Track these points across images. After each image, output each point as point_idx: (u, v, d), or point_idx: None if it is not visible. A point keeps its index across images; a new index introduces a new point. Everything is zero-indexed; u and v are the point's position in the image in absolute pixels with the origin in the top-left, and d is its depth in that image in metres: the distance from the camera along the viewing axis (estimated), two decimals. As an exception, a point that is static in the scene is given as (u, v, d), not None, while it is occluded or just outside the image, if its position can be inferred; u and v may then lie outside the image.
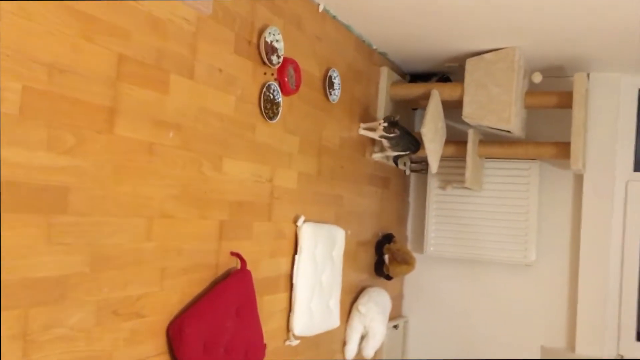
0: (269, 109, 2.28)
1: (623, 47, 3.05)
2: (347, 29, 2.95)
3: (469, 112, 3.21)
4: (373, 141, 3.31)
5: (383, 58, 3.43)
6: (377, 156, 3.30)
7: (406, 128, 3.21)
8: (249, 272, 2.13)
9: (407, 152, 3.26)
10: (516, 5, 2.58)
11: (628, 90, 3.48)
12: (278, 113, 2.34)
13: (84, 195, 1.50)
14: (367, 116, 3.23)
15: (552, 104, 3.33)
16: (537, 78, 3.29)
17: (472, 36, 3.04)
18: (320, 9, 2.65)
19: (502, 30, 2.91)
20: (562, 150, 3.26)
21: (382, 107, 3.37)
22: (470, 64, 3.22)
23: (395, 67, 3.59)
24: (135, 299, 1.68)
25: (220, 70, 2.01)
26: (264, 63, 2.24)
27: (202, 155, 1.94)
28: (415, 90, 3.43)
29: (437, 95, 3.26)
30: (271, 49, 2.27)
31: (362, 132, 3.11)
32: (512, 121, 3.10)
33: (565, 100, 3.24)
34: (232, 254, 2.11)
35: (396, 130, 3.01)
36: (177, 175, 1.83)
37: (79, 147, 1.48)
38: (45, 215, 1.40)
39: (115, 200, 1.59)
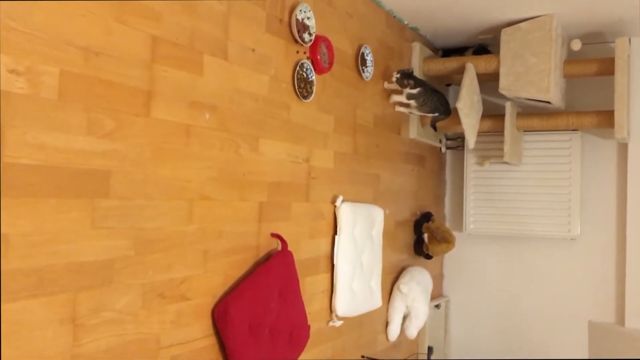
0: (302, 88, 2.25)
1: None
2: (378, 4, 2.89)
3: (505, 84, 3.12)
4: (406, 117, 3.25)
5: (415, 33, 3.36)
6: (401, 109, 3.08)
7: (433, 86, 3.08)
8: (290, 253, 2.12)
9: (437, 114, 3.10)
10: None
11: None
12: (312, 92, 2.30)
13: (125, 179, 1.50)
14: (400, 93, 3.17)
15: (593, 72, 3.21)
16: (577, 45, 3.18)
17: (506, 5, 2.95)
18: (350, -16, 2.59)
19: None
20: (605, 118, 3.16)
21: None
22: (505, 35, 3.12)
23: (427, 42, 3.52)
24: (179, 281, 1.67)
25: (253, 50, 1.98)
26: (296, 41, 2.21)
27: (239, 137, 1.93)
28: (449, 64, 3.35)
29: (471, 68, 3.18)
30: (303, 27, 2.23)
31: (386, 85, 2.95)
32: (551, 91, 3.00)
33: (607, 67, 3.12)
34: (273, 235, 2.10)
35: (411, 82, 2.88)
36: (215, 156, 1.82)
37: (118, 131, 1.47)
38: (89, 200, 1.40)
39: (155, 183, 1.59)
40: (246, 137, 1.96)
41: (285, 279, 2.06)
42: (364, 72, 2.73)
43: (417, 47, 3.32)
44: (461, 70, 3.20)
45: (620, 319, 3.42)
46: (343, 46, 2.57)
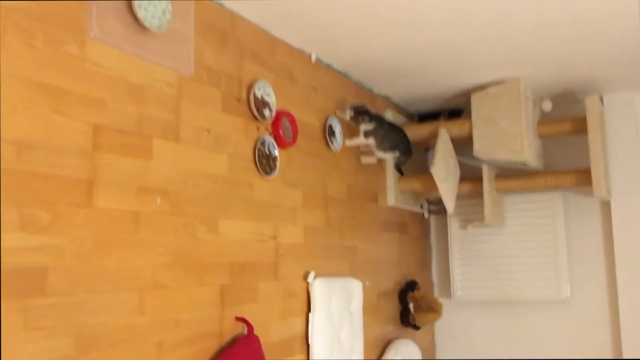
0: (265, 164, 2.22)
1: (633, 65, 2.94)
2: (344, 75, 2.90)
3: (480, 148, 3.10)
4: (383, 185, 3.21)
5: (386, 101, 3.37)
6: (366, 160, 2.98)
7: (391, 120, 3.00)
8: (256, 337, 2.02)
9: (398, 152, 2.97)
10: (515, 35, 2.51)
11: (646, 109, 3.34)
12: (276, 167, 2.27)
13: (64, 274, 1.43)
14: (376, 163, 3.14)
15: (567, 131, 3.20)
16: (547, 106, 3.19)
17: (474, 70, 2.97)
18: (313, 59, 2.61)
19: (504, 61, 2.84)
20: (583, 177, 3.12)
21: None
22: (475, 99, 3.13)
23: (400, 109, 3.52)
24: (129, 378, 1.58)
25: (209, 131, 1.96)
26: (256, 118, 2.19)
27: (195, 219, 1.87)
28: (422, 130, 3.34)
29: (445, 133, 3.17)
30: (262, 103, 2.22)
31: (348, 143, 2.84)
32: (525, 153, 2.97)
33: (580, 126, 3.11)
34: (237, 319, 2.01)
35: (365, 117, 2.76)
36: (169, 242, 1.76)
37: (56, 224, 1.42)
38: (21, 300, 1.33)
39: (100, 275, 1.52)
40: (203, 218, 1.91)
41: (251, 366, 1.95)
42: (332, 143, 2.71)
43: (389, 114, 3.32)
44: (436, 135, 3.19)
45: (620, 384, 3.26)
46: (308, 119, 2.56)
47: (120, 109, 1.63)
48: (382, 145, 2.87)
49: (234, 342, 1.97)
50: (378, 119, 2.84)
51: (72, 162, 1.48)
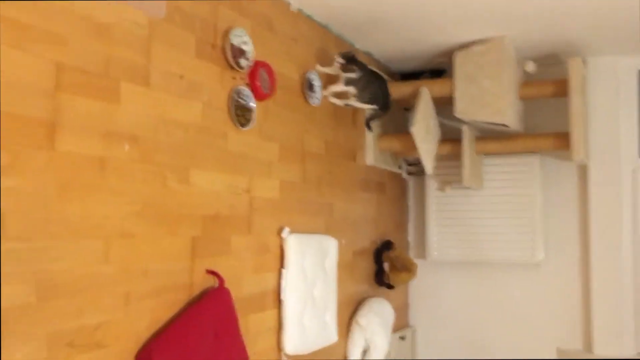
0: (240, 115, 2.15)
1: (617, 27, 2.90)
2: (325, 27, 2.81)
3: (461, 108, 3.05)
4: (362, 143, 3.16)
5: (368, 57, 3.29)
6: (336, 100, 2.78)
7: (378, 72, 2.88)
8: (227, 291, 1.99)
9: (375, 107, 2.86)
10: None
11: (627, 74, 3.32)
12: (251, 119, 2.20)
13: (23, 219, 1.36)
14: (355, 120, 3.09)
15: (549, 94, 3.17)
16: (531, 67, 3.14)
17: (458, 27, 2.90)
18: (292, 8, 2.51)
19: (488, 18, 2.77)
20: (563, 140, 3.10)
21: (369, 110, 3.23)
22: (458, 58, 3.07)
23: (382, 67, 3.45)
24: (93, 328, 1.53)
25: (182, 77, 1.88)
26: (232, 67, 2.11)
27: (166, 168, 1.81)
28: (404, 88, 3.28)
29: (426, 92, 3.12)
30: (239, 52, 2.13)
31: (326, 92, 2.72)
32: (507, 114, 2.94)
33: (562, 89, 3.08)
34: (208, 272, 1.97)
35: (354, 68, 2.66)
36: (137, 190, 1.69)
37: (14, 166, 1.35)
38: (-24, 243, 1.27)
39: (62, 221, 1.46)
40: (175, 168, 1.84)
41: (221, 319, 1.92)
42: (311, 97, 2.63)
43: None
44: (417, 94, 3.13)
45: (589, 346, 3.32)
46: (287, 71, 2.48)
47: (85, 48, 1.54)
48: (362, 95, 2.76)
49: (205, 294, 1.93)
50: (365, 69, 2.74)
51: (32, 102, 1.40)
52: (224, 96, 2.08)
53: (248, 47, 2.17)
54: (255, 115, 2.21)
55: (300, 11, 2.57)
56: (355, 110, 3.08)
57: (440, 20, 2.80)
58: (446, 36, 3.02)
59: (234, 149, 2.12)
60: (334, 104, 2.83)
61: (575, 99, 2.99)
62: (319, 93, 2.69)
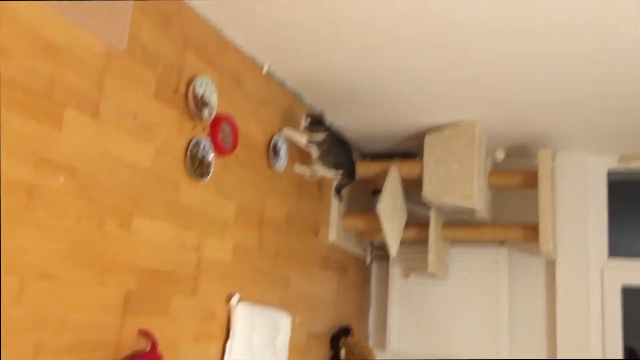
0: (197, 166, 2.02)
1: (587, 125, 2.93)
2: (297, 96, 2.76)
3: (429, 189, 2.98)
4: (326, 218, 3.04)
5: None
6: (300, 169, 2.68)
7: (341, 137, 2.76)
8: (159, 356, 1.77)
9: (341, 172, 2.74)
10: (473, 77, 2.45)
11: (597, 172, 3.31)
12: (209, 173, 2.07)
13: None
14: (320, 193, 2.98)
15: (518, 184, 3.13)
16: (500, 155, 3.12)
17: (431, 109, 2.89)
18: (264, 70, 2.47)
19: (461, 102, 2.77)
20: (531, 232, 3.01)
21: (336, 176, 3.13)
22: (429, 139, 3.03)
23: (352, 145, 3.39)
24: (-11, 379, 1.31)
25: (135, 115, 1.76)
26: (193, 116, 2.01)
27: (105, 209, 1.65)
28: (372, 168, 3.21)
29: (395, 171, 3.05)
30: (202, 102, 2.04)
31: (286, 132, 2.56)
32: (474, 198, 2.86)
33: (531, 180, 3.04)
34: (141, 332, 1.76)
35: (320, 129, 2.53)
36: (67, 228, 1.52)
37: None
38: None
39: (-30, 248, 1.28)
40: (115, 210, 1.68)
41: (148, 388, 1.69)
42: (275, 162, 2.53)
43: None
44: (386, 175, 3.06)
45: None
46: (253, 131, 2.39)
47: (30, 64, 1.42)
48: (326, 159, 2.65)
49: (133, 357, 1.71)
50: (331, 132, 2.64)
51: (-44, 109, 1.26)
52: (181, 144, 1.97)
53: (213, 99, 2.09)
54: (212, 170, 2.09)
55: (272, 75, 2.52)
56: (321, 183, 2.98)
57: (413, 101, 2.79)
58: (418, 117, 3.00)
59: (186, 201, 1.98)
60: (300, 174, 2.73)
61: (544, 191, 2.94)
62: (284, 159, 2.59)
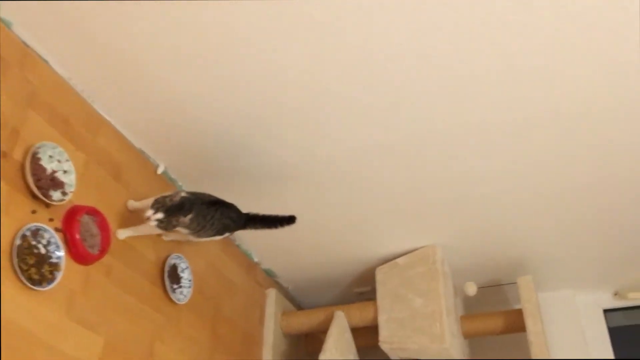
0: (31, 266, 1.37)
1: (566, 254, 2.42)
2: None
3: (387, 335, 2.30)
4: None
5: (270, 279, 2.61)
6: (168, 238, 1.89)
7: (210, 198, 1.82)
8: None
9: (229, 233, 1.93)
10: (432, 203, 2.09)
11: (591, 312, 2.70)
12: (53, 280, 1.41)
13: None
14: (246, 349, 2.26)
15: (499, 329, 2.46)
16: (471, 289, 2.51)
17: (380, 240, 2.37)
18: (159, 170, 1.94)
19: (417, 230, 2.28)
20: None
21: (269, 340, 2.41)
22: (380, 273, 2.44)
23: (289, 296, 2.74)
24: None
25: None
26: (36, 196, 1.41)
27: None
28: (314, 316, 2.54)
29: (341, 316, 2.40)
30: (51, 180, 1.47)
31: (131, 205, 1.76)
32: (447, 338, 2.18)
33: (515, 320, 2.39)
34: None
35: (187, 213, 1.69)
36: None
37: None
38: None
39: None
40: None
41: None
42: (174, 291, 1.87)
43: (272, 294, 2.54)
44: (330, 324, 2.39)
45: None
46: (140, 245, 1.77)
47: None
48: (207, 232, 1.84)
49: None
50: (198, 206, 1.76)
51: None
52: (9, 229, 1.34)
53: (68, 179, 1.51)
54: (62, 277, 1.43)
55: (165, 174, 1.97)
56: (250, 334, 2.27)
57: (358, 235, 2.30)
58: (367, 252, 2.46)
59: (10, 318, 1.28)
60: (214, 314, 2.04)
61: (533, 325, 2.30)
62: (188, 289, 1.93)
